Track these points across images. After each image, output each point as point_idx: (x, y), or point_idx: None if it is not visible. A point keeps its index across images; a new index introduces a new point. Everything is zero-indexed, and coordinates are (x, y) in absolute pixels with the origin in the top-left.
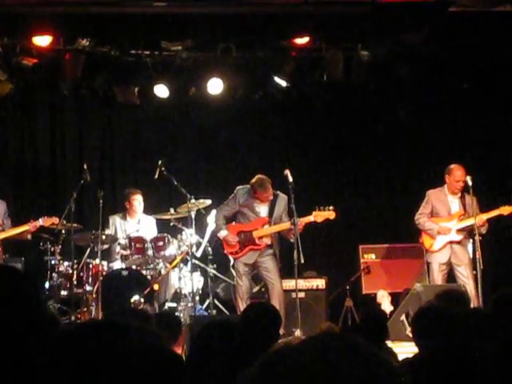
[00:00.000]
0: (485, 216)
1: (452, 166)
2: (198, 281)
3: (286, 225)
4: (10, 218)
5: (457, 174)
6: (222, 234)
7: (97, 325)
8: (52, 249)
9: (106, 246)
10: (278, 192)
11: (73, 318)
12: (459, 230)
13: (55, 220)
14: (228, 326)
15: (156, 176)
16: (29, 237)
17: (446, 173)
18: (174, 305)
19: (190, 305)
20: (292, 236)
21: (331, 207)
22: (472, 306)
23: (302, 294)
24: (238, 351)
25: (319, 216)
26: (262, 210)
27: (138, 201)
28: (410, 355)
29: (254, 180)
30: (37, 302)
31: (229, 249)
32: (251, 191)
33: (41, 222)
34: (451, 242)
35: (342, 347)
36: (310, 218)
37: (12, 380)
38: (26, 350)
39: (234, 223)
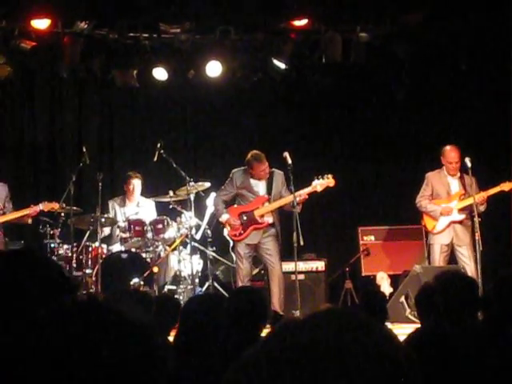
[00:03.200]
0: (486, 194)
1: (446, 147)
2: (197, 263)
3: (287, 199)
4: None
5: (450, 155)
6: (224, 217)
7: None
8: (51, 232)
9: (106, 230)
10: (274, 169)
11: None
12: (461, 210)
13: (55, 205)
14: (217, 299)
15: (155, 159)
16: (29, 221)
17: (441, 154)
18: (174, 287)
19: (189, 287)
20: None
21: (330, 175)
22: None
23: (301, 276)
24: (228, 325)
25: (319, 185)
26: (261, 188)
27: (136, 184)
28: None
29: (248, 156)
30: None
31: (232, 232)
32: (247, 170)
33: (41, 206)
34: (453, 222)
35: (347, 320)
36: (310, 188)
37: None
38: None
39: (235, 205)
